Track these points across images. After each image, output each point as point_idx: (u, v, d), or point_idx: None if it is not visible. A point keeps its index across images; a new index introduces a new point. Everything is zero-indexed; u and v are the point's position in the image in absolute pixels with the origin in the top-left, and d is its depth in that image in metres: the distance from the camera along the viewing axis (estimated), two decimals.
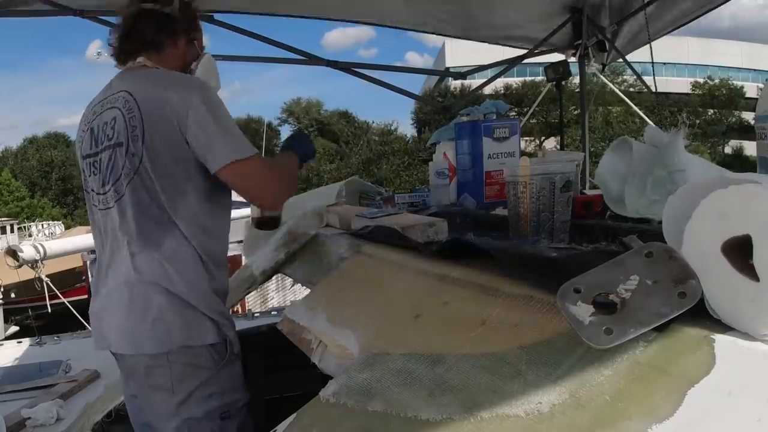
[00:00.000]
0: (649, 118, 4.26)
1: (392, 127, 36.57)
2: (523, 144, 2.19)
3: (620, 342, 0.69)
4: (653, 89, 3.93)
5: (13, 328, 10.23)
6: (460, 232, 1.48)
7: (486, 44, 3.87)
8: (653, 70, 3.37)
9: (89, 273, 5.84)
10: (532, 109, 8.70)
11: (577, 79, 4.17)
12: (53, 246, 5.70)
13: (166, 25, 1.49)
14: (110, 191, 1.40)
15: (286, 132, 41.14)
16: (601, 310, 0.72)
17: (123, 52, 1.49)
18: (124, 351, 1.40)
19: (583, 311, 0.72)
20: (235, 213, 1.67)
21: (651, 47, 3.31)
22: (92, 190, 1.46)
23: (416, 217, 1.53)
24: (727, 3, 3.14)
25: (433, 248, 1.21)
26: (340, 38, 65.62)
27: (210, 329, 1.37)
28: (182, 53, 1.53)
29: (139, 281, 1.35)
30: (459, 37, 3.78)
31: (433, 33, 3.85)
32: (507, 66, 4.06)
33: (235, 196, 1.48)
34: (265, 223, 1.59)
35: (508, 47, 3.93)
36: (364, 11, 3.50)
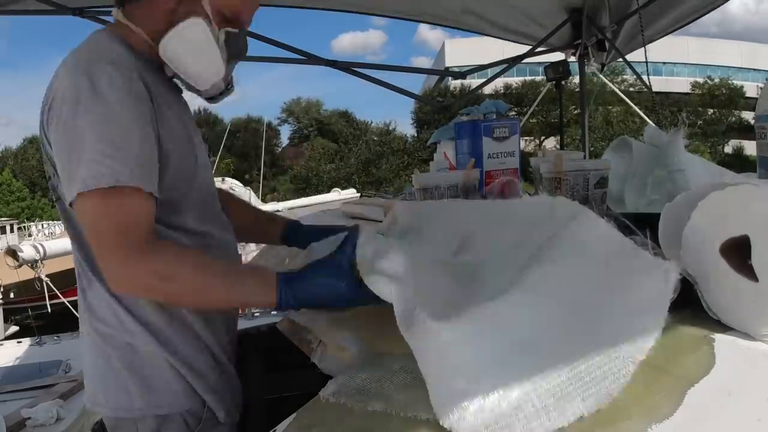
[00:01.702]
0: (649, 117, 4.26)
1: (391, 127, 36.61)
2: (523, 144, 2.19)
3: None
4: (651, 89, 3.94)
5: (13, 328, 10.24)
6: None
7: (485, 45, 3.88)
8: (647, 69, 3.39)
9: None
10: (531, 109, 8.71)
11: (576, 79, 4.18)
12: (53, 246, 5.70)
13: None
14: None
15: (285, 132, 41.14)
16: None
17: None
18: (89, 407, 1.12)
19: None
20: None
21: (645, 49, 3.34)
22: None
23: None
24: (723, 5, 3.15)
25: None
26: (349, 45, 65.93)
27: (180, 392, 1.06)
28: (168, 9, 1.03)
29: (92, 329, 1.05)
30: (459, 28, 3.78)
31: (431, 23, 3.84)
32: (507, 66, 4.06)
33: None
34: None
35: (507, 47, 3.94)
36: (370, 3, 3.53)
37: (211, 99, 1.15)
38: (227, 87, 1.15)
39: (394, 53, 66.07)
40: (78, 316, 1.11)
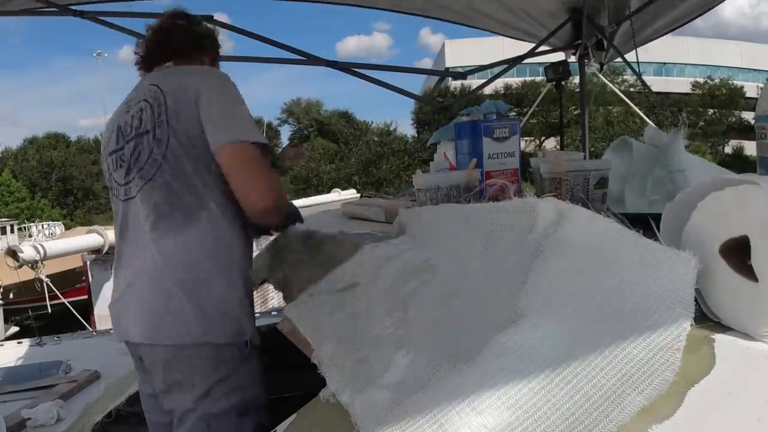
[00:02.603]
0: (649, 118, 4.26)
1: (392, 128, 36.56)
2: (523, 144, 2.18)
3: None
4: (647, 85, 3.96)
5: (13, 328, 10.24)
6: None
7: (486, 45, 3.87)
8: (638, 68, 3.42)
9: (89, 273, 5.83)
10: (532, 109, 8.72)
11: (577, 79, 4.18)
12: (53, 246, 5.70)
13: (196, 40, 1.60)
14: (135, 179, 1.41)
15: (286, 132, 41.12)
16: None
17: (152, 60, 1.57)
18: (145, 341, 1.38)
19: None
20: None
21: (636, 52, 3.39)
22: (116, 183, 1.48)
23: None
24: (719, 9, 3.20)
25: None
26: (355, 48, 66.17)
27: (229, 327, 1.36)
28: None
29: (160, 273, 1.34)
30: (460, 23, 3.77)
31: (433, 17, 3.81)
32: (507, 66, 4.06)
33: None
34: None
35: (507, 47, 3.94)
36: None
37: None
38: None
39: (400, 57, 66.42)
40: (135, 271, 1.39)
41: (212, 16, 3.26)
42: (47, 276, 5.70)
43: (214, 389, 1.34)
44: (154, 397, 1.45)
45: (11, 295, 9.44)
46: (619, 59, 3.69)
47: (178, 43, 1.58)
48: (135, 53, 1.62)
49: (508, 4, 3.41)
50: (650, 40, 3.62)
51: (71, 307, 5.81)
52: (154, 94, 1.41)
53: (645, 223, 0.75)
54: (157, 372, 1.39)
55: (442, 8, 3.57)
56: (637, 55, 3.37)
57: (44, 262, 5.51)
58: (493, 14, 3.56)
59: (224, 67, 1.73)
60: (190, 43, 1.59)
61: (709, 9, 3.33)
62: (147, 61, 1.59)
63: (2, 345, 2.79)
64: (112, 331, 1.47)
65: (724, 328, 0.67)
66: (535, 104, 6.66)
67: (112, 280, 1.56)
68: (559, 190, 1.22)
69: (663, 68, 34.76)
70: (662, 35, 3.59)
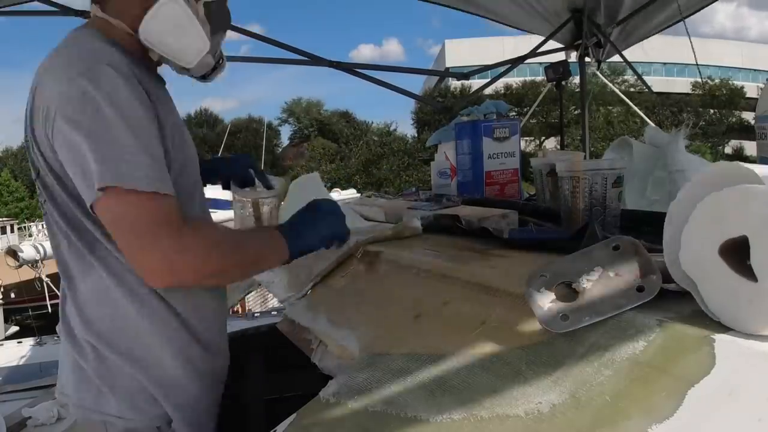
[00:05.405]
0: (649, 118, 4.26)
1: (392, 128, 36.56)
2: (523, 144, 2.18)
3: (574, 328, 0.73)
4: (649, 89, 3.98)
5: (14, 328, 10.25)
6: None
7: (486, 45, 3.87)
8: (629, 63, 3.45)
9: None
10: (532, 109, 8.72)
11: (577, 79, 4.18)
12: None
13: None
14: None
15: (286, 132, 41.08)
16: (561, 297, 0.76)
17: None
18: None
19: (545, 297, 0.76)
20: (222, 215, 1.50)
21: (623, 55, 3.40)
22: None
23: (481, 209, 1.54)
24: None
25: (505, 237, 1.27)
26: (369, 57, 66.71)
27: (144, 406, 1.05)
28: None
29: (67, 333, 1.12)
30: (463, 11, 3.77)
31: (441, 4, 3.80)
32: (509, 67, 4.06)
33: (213, 193, 1.32)
34: None
35: (508, 47, 3.96)
36: None
37: (204, 78, 1.11)
38: (218, 62, 1.10)
39: (409, 63, 67.26)
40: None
41: None
42: (47, 275, 5.69)
43: None
44: None
45: (12, 295, 9.46)
46: (619, 59, 3.71)
47: None
48: None
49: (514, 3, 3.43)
50: (647, 37, 3.65)
51: None
52: (31, 88, 0.96)
53: (646, 223, 0.76)
54: None
55: None
56: (624, 57, 3.40)
57: (44, 262, 5.51)
58: (497, 9, 3.59)
59: (228, 68, 1.16)
60: None
61: (700, 9, 3.37)
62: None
63: (2, 345, 2.79)
64: None
65: (724, 328, 0.67)
66: (536, 104, 6.67)
67: None
68: (577, 188, 1.25)
69: (663, 68, 34.77)
70: (655, 33, 3.62)
